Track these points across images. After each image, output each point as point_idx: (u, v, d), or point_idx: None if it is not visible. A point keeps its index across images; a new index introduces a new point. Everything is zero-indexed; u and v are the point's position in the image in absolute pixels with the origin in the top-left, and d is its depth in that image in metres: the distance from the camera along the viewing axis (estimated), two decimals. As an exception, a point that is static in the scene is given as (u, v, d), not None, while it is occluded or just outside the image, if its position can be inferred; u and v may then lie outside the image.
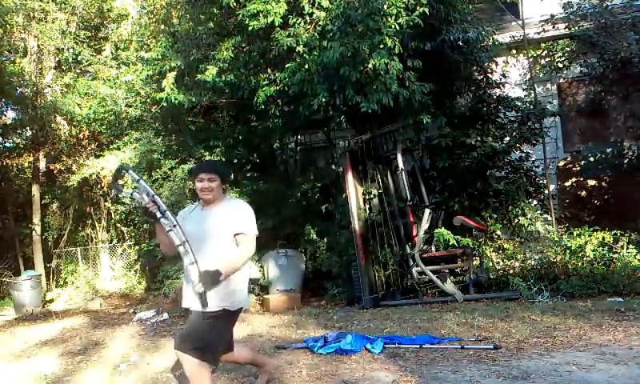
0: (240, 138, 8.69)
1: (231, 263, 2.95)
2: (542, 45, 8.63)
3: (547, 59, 8.53)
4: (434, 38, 6.60)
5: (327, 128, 8.61)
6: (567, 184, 8.75)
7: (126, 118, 10.09)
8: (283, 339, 4.96)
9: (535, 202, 7.63)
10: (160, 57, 7.74)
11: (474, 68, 7.45)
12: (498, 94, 7.65)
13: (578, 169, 8.67)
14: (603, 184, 8.45)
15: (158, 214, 2.92)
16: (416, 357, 4.04)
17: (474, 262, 6.54)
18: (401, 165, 6.43)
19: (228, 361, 3.33)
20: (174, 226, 2.89)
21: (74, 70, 11.74)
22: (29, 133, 11.96)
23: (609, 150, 8.33)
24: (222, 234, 3.00)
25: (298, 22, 6.39)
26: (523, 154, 7.57)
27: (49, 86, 11.50)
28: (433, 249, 6.60)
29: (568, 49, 8.16)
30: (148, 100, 8.85)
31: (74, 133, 11.55)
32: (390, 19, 5.85)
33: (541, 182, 7.71)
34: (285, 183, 8.67)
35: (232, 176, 2.78)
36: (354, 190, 6.66)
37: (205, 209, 3.12)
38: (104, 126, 10.73)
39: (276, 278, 7.32)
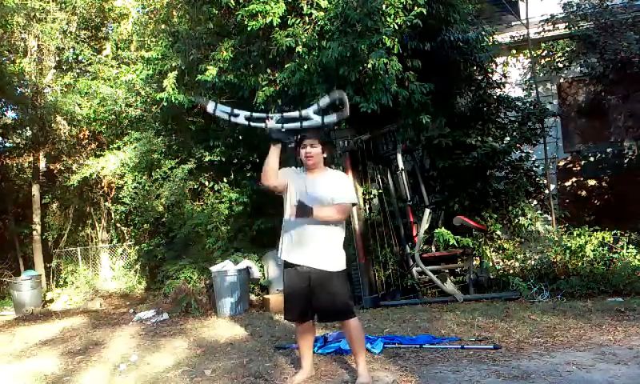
0: (240, 138, 8.69)
1: (325, 210, 3.39)
2: (542, 45, 8.63)
3: (547, 59, 8.54)
4: (433, 38, 6.59)
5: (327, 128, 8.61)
6: (567, 184, 8.76)
7: (126, 117, 10.09)
8: (283, 339, 4.96)
9: (535, 202, 7.63)
10: (160, 56, 7.75)
11: (474, 68, 7.45)
12: (498, 94, 7.64)
13: (578, 169, 8.68)
14: (603, 184, 8.46)
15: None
16: (416, 357, 4.04)
17: (474, 262, 6.53)
18: (401, 165, 6.42)
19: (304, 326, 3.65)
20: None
21: (74, 70, 11.74)
22: (29, 133, 11.93)
23: (609, 150, 8.35)
24: (324, 203, 3.41)
25: (296, 22, 6.39)
26: (523, 154, 7.57)
27: (49, 86, 11.48)
28: (433, 249, 6.60)
29: (568, 49, 8.17)
30: (148, 100, 8.85)
31: (74, 133, 11.53)
32: (388, 19, 5.85)
33: (541, 182, 7.71)
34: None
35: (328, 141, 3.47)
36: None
37: (309, 174, 3.51)
38: (104, 126, 10.73)
39: (276, 278, 7.32)
